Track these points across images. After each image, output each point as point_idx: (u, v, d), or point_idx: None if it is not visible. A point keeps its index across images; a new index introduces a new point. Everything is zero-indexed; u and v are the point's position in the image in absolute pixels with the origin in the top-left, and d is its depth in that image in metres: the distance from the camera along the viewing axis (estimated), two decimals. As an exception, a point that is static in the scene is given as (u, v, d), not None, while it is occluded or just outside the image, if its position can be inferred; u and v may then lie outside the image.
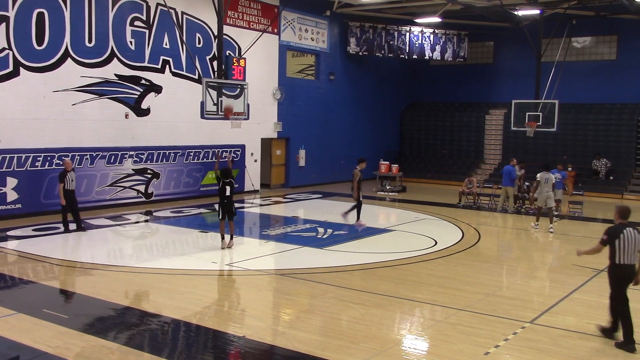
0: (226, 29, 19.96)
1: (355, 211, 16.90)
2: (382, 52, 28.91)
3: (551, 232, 16.82)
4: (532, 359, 7.65)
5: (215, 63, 18.26)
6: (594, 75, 28.55)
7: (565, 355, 7.73)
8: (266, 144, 24.98)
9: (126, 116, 19.36)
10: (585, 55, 29.08)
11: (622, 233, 8.04)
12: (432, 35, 29.67)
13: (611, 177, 26.13)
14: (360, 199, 16.87)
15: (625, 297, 8.14)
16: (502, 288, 11.20)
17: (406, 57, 29.78)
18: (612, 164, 26.46)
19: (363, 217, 16.98)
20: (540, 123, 23.74)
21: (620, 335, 8.14)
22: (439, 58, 30.24)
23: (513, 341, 8.16)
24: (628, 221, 8.28)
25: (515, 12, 25.59)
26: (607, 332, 8.38)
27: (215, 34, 18.76)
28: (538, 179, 17.48)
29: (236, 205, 14.32)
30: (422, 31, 29.43)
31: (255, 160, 24.17)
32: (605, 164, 26.37)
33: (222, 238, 13.67)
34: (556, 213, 18.79)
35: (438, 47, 29.95)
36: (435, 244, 14.62)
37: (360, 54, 28.69)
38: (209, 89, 15.66)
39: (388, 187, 25.26)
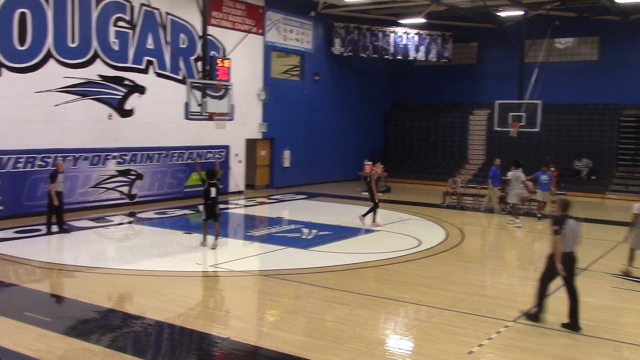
0: (210, 30, 19.91)
1: (371, 213, 16.96)
2: (367, 52, 28.96)
3: (511, 223, 17.66)
4: (515, 357, 7.71)
5: (199, 64, 18.22)
6: (577, 75, 28.77)
7: (548, 354, 7.80)
8: (251, 144, 24.93)
9: (109, 117, 19.23)
10: (568, 56, 29.31)
11: (566, 223, 8.80)
12: (416, 36, 29.77)
13: (593, 177, 26.36)
14: (377, 201, 16.95)
15: (549, 281, 8.95)
16: (486, 287, 11.27)
17: (391, 58, 29.85)
18: (595, 164, 26.70)
19: (347, 217, 17.02)
20: (523, 123, 23.88)
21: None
22: (423, 59, 30.34)
23: (497, 340, 8.21)
24: (568, 212, 9.07)
25: (499, 13, 25.75)
26: (570, 327, 8.69)
27: (200, 34, 18.72)
28: (509, 177, 17.91)
29: (221, 206, 14.29)
30: (406, 32, 29.52)
31: (240, 161, 24.11)
32: (587, 164, 26.60)
33: (205, 237, 13.73)
34: (540, 214, 18.96)
35: (422, 48, 30.06)
36: (419, 244, 14.67)
37: (345, 54, 28.72)
38: (193, 90, 15.62)
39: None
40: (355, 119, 30.67)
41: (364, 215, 16.97)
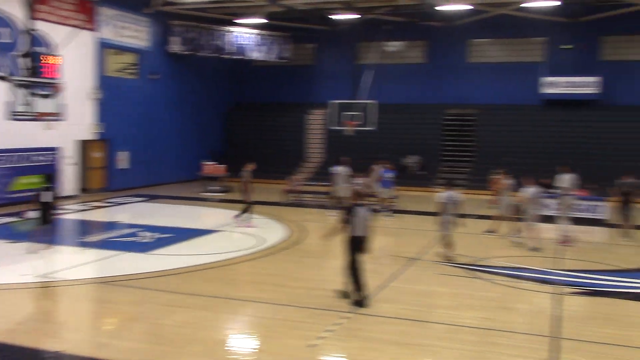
0: (38, 24, 18.61)
1: (246, 213, 16.91)
2: (207, 51, 28.68)
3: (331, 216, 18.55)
4: (353, 346, 8.07)
5: (25, 60, 16.97)
6: (407, 77, 30.64)
7: (384, 341, 8.24)
8: (85, 145, 23.68)
9: None
10: (398, 58, 31.10)
11: (355, 211, 9.62)
12: (256, 36, 29.98)
13: (422, 172, 28.15)
14: (250, 201, 16.81)
15: (357, 262, 9.70)
16: (326, 281, 11.59)
17: (231, 57, 29.80)
18: (424, 160, 28.54)
19: (189, 218, 16.77)
20: (360, 122, 24.95)
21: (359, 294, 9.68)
22: (263, 59, 30.64)
23: (336, 331, 8.53)
24: (359, 201, 9.94)
25: (333, 16, 26.66)
26: (359, 303, 9.60)
27: (25, 28, 17.46)
28: (335, 173, 19.40)
29: (53, 211, 13.47)
30: (246, 32, 29.62)
31: (72, 163, 22.80)
32: (416, 161, 28.37)
33: (35, 245, 12.92)
34: (385, 209, 19.77)
35: (262, 48, 30.34)
36: (261, 243, 14.81)
37: (185, 53, 28.20)
38: (18, 88, 14.57)
39: (213, 188, 25.08)
40: (196, 119, 30.25)
41: (238, 216, 16.81)
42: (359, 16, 26.67)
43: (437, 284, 11.48)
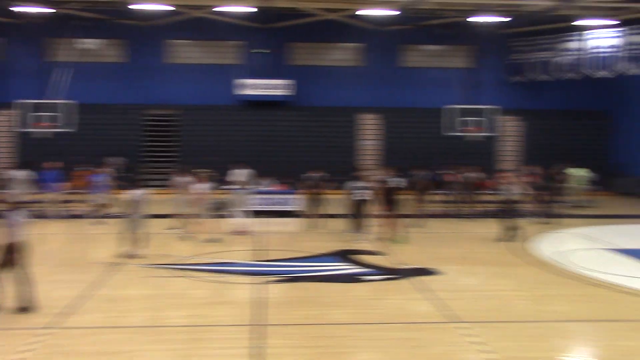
0: None
1: None
2: None
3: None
4: (53, 364, 7.62)
5: None
6: (107, 76, 29.60)
7: (86, 354, 7.95)
8: None
9: None
10: (97, 57, 29.92)
11: (9, 217, 9.46)
12: None
13: (125, 174, 27.45)
14: None
15: (17, 270, 9.60)
16: (13, 298, 10.50)
17: None
18: (127, 162, 27.84)
19: None
20: (57, 123, 23.48)
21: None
22: None
23: (36, 350, 7.97)
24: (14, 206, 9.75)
25: (21, 9, 24.59)
26: (27, 309, 9.52)
27: None
28: (10, 178, 18.42)
29: None
30: None
31: None
32: (118, 162, 27.59)
33: None
34: (99, 216, 18.72)
35: None
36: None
37: None
38: None
39: None
40: None
41: None
42: (51, 10, 24.93)
43: (142, 287, 11.39)
